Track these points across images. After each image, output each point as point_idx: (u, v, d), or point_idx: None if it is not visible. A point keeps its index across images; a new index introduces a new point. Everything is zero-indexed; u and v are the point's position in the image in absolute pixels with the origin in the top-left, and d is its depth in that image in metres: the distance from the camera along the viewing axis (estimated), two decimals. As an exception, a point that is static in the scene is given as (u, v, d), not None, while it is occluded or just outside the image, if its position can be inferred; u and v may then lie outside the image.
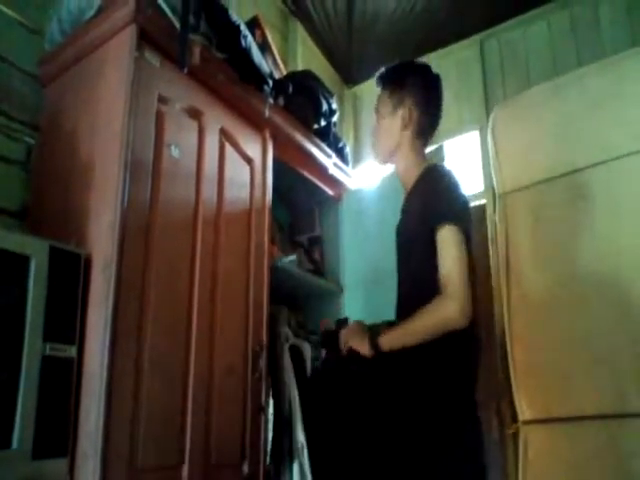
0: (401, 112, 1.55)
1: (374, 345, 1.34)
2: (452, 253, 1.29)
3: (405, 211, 1.54)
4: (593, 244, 1.80)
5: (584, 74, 1.93)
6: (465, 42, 3.16)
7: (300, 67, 2.94)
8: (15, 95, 1.60)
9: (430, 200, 1.38)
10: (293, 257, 2.07)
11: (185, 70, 1.41)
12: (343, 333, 1.47)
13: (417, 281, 1.41)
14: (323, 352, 2.00)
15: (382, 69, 1.64)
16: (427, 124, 1.57)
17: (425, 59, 3.24)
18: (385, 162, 1.64)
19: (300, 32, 3.09)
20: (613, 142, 1.81)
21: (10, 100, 1.58)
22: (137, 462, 1.19)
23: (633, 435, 1.64)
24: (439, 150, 1.90)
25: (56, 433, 1.13)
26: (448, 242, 1.30)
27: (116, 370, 1.18)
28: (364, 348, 1.36)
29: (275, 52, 2.23)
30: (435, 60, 3.23)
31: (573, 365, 1.75)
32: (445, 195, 1.38)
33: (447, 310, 1.25)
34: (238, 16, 2.28)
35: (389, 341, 1.33)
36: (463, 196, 1.44)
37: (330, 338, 1.60)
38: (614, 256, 1.75)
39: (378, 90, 1.64)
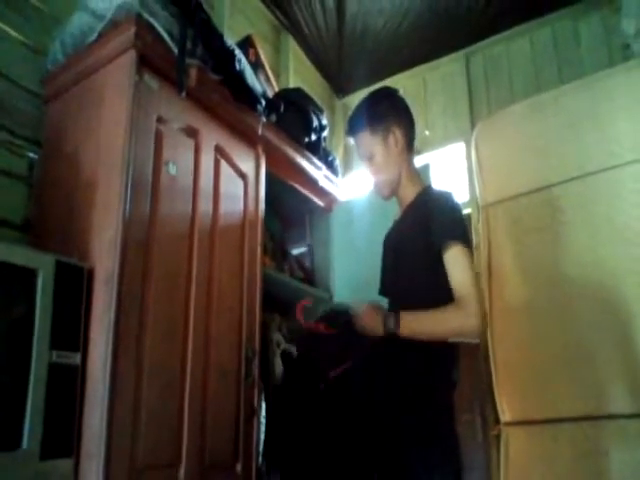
0: (392, 138, 1.55)
1: (390, 334, 1.37)
2: (465, 271, 1.36)
3: (401, 226, 1.58)
4: (573, 253, 1.87)
5: (561, 93, 2.02)
6: (451, 57, 3.26)
7: (292, 78, 3.02)
8: (17, 111, 1.65)
9: (435, 221, 1.41)
10: (304, 249, 2.17)
11: (183, 94, 1.49)
12: (364, 312, 1.44)
13: (411, 296, 1.45)
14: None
15: (349, 119, 1.62)
16: (412, 136, 1.62)
17: (412, 73, 3.35)
18: (393, 195, 1.62)
19: (292, 45, 3.17)
20: (588, 158, 1.89)
21: (13, 116, 1.63)
22: (138, 462, 1.25)
23: (608, 436, 1.70)
24: (425, 168, 1.97)
25: (62, 435, 1.19)
26: (459, 260, 1.36)
27: (118, 375, 1.24)
28: (375, 331, 1.40)
29: (268, 70, 2.31)
30: (422, 74, 3.35)
31: (551, 369, 1.81)
32: (450, 217, 1.43)
33: (468, 325, 1.33)
34: (232, 30, 2.38)
35: (407, 333, 1.36)
36: (464, 218, 1.49)
37: (339, 320, 1.55)
38: (592, 265, 1.81)
39: (355, 139, 1.62)
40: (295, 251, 2.45)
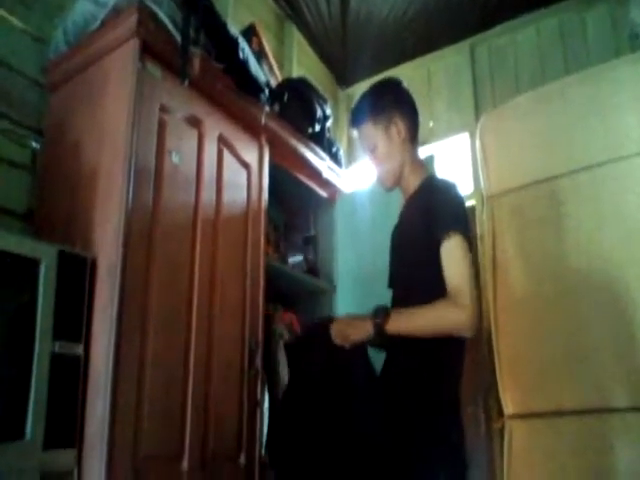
0: (394, 129, 1.54)
1: (379, 329, 1.33)
2: (461, 263, 1.31)
3: (405, 216, 1.56)
4: (577, 245, 1.86)
5: (567, 84, 2.00)
6: (456, 47, 3.22)
7: (295, 69, 3.00)
8: (20, 101, 1.64)
9: (436, 210, 1.39)
10: (300, 257, 2.16)
11: (186, 83, 1.47)
12: (336, 326, 1.41)
13: (415, 286, 1.43)
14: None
15: (352, 111, 1.62)
16: (415, 126, 1.60)
17: (416, 63, 3.32)
18: (396, 185, 1.60)
19: (296, 35, 3.14)
20: (594, 150, 1.88)
21: (15, 105, 1.62)
22: (140, 453, 1.25)
23: (611, 429, 1.70)
24: (429, 160, 1.96)
25: (65, 425, 1.19)
26: (456, 252, 1.32)
27: (120, 366, 1.24)
28: (366, 332, 1.35)
29: (271, 59, 2.29)
30: (426, 64, 3.32)
31: (554, 361, 1.81)
32: (451, 206, 1.40)
33: (458, 319, 1.27)
34: (235, 20, 2.36)
35: (396, 329, 1.33)
36: (466, 208, 1.46)
37: (317, 332, 1.51)
38: (597, 257, 1.81)
39: (358, 130, 1.61)
40: (298, 242, 2.43)
